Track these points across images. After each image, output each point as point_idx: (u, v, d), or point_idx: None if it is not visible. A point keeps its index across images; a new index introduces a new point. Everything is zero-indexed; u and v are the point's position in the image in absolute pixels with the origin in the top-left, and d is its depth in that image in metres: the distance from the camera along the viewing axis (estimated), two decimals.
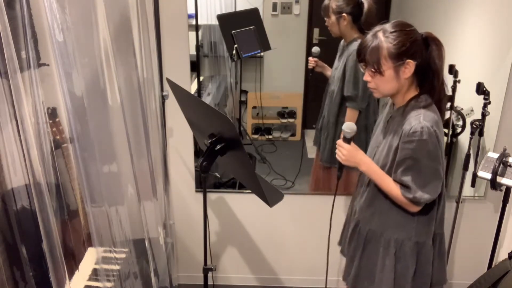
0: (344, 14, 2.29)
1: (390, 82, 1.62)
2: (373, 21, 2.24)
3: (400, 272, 1.78)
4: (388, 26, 1.60)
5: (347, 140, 1.74)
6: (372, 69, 1.61)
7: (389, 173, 1.71)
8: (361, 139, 2.46)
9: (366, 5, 2.25)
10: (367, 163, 1.74)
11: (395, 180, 1.69)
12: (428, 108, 1.63)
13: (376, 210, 1.80)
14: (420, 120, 1.58)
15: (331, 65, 2.50)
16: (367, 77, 1.66)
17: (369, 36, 1.61)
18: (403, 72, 1.60)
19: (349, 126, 1.72)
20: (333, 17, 2.32)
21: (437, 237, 1.82)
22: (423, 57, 1.60)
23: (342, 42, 2.43)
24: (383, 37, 1.58)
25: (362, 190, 1.88)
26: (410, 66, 1.58)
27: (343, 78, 2.39)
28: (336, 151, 1.77)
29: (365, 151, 1.84)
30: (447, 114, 2.49)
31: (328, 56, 2.49)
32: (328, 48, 2.50)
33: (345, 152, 1.73)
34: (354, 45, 2.34)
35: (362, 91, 2.36)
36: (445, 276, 1.91)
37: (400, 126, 1.65)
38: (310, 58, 2.51)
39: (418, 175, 1.63)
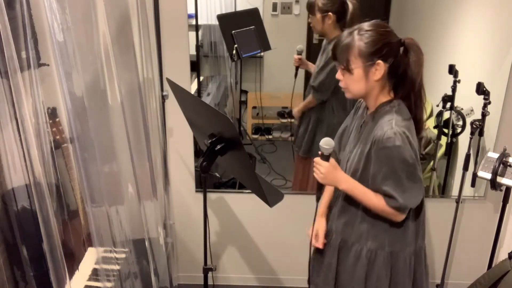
0: (329, 13, 2.31)
1: (358, 81, 1.57)
2: (357, 22, 2.28)
3: (372, 284, 1.71)
4: (364, 25, 1.57)
5: (325, 157, 1.64)
6: (342, 66, 1.58)
7: (361, 178, 1.65)
8: (323, 131, 2.53)
9: (350, 6, 2.27)
10: (347, 181, 1.66)
11: (375, 190, 1.63)
12: (401, 113, 1.58)
13: (348, 220, 1.74)
14: (392, 125, 1.53)
15: None
16: (339, 75, 1.62)
17: (345, 34, 1.58)
18: (373, 73, 1.55)
19: (327, 142, 1.62)
20: (318, 15, 2.34)
21: (420, 250, 1.75)
22: (399, 62, 1.56)
23: (324, 41, 2.46)
24: (357, 35, 1.54)
25: (336, 199, 1.83)
26: (380, 68, 1.54)
27: (320, 71, 2.44)
28: (314, 169, 1.67)
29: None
30: (447, 114, 2.49)
31: None
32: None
33: (324, 170, 1.64)
34: None
35: (326, 85, 2.41)
36: None
37: (371, 131, 1.60)
38: (295, 56, 2.53)
39: (398, 182, 1.57)
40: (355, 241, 1.72)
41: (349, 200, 1.71)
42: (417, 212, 1.71)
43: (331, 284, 1.81)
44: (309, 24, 2.45)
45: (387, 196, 1.60)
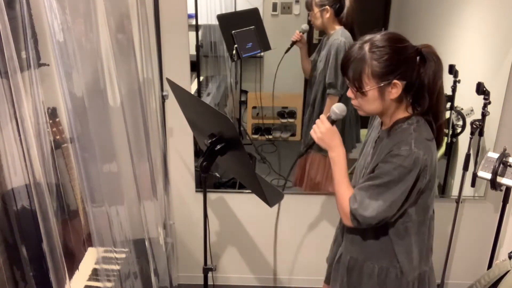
0: (327, 6, 2.37)
1: (373, 103, 1.42)
2: (354, 17, 2.37)
3: None
4: (377, 39, 1.38)
5: (331, 121, 1.55)
6: (354, 88, 1.42)
7: None
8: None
9: (347, 0, 2.34)
10: (340, 152, 1.52)
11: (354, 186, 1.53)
12: (420, 132, 1.42)
13: (355, 238, 1.63)
14: (411, 145, 1.38)
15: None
16: (350, 93, 1.46)
17: (355, 47, 1.40)
18: (389, 92, 1.40)
19: (339, 107, 1.53)
20: (316, 10, 2.40)
21: (422, 275, 1.61)
22: (417, 75, 1.39)
23: (324, 38, 2.50)
24: (368, 52, 1.37)
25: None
26: (397, 87, 1.38)
27: (326, 67, 2.45)
28: (314, 126, 1.55)
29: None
30: (447, 115, 2.49)
31: None
32: None
33: (324, 130, 1.52)
34: (335, 35, 2.41)
35: (342, 78, 2.40)
36: None
37: (385, 150, 1.45)
38: (297, 32, 2.52)
39: (368, 189, 1.45)
40: (366, 259, 1.62)
41: None
42: (420, 232, 1.57)
43: None
44: (309, 22, 2.46)
45: (353, 194, 1.50)
